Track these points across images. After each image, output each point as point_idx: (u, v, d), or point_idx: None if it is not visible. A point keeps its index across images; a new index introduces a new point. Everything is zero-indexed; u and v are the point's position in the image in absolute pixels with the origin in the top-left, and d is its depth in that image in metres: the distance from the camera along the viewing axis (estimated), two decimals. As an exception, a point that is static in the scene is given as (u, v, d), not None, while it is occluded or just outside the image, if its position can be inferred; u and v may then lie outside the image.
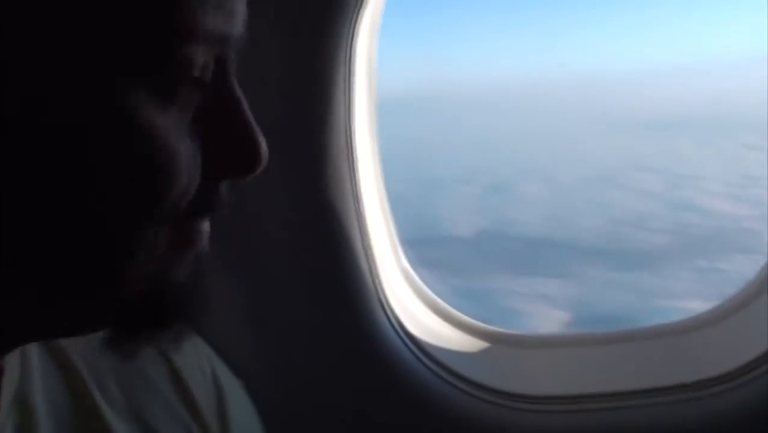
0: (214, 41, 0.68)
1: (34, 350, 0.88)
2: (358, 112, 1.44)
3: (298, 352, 1.44)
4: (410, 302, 1.59)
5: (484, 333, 1.61)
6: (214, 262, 1.36)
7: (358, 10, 1.35)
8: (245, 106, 0.72)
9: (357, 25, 1.36)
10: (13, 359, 0.82)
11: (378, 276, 1.47)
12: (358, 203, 1.44)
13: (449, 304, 1.65)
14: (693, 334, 1.58)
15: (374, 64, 1.50)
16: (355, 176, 1.43)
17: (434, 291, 1.65)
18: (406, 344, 1.49)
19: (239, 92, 0.72)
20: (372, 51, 1.49)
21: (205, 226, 0.76)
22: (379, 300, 1.47)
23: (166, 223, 0.68)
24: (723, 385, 1.45)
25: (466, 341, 1.60)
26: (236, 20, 0.71)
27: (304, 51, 1.35)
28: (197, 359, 1.12)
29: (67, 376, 0.91)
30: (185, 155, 0.66)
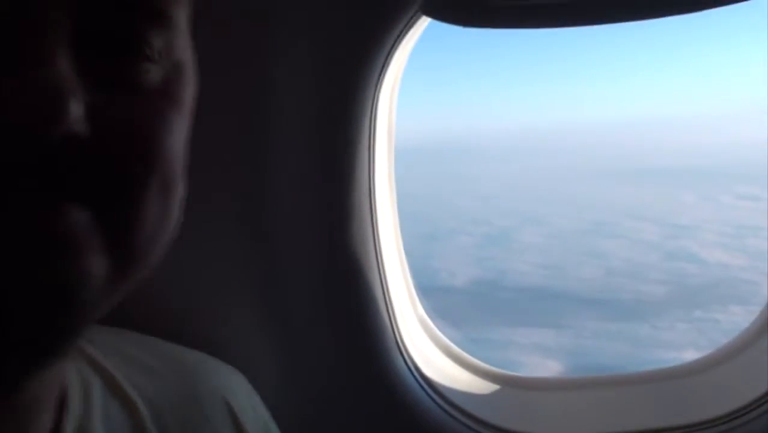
0: None
1: (96, 385, 0.92)
2: (378, 165, 1.53)
3: (321, 392, 1.52)
4: (426, 346, 1.67)
5: (495, 376, 1.69)
6: (248, 314, 1.45)
7: (384, 67, 1.44)
8: (37, 61, 0.56)
9: (382, 82, 1.45)
10: (75, 395, 0.86)
11: (397, 323, 1.55)
12: (380, 255, 1.52)
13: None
14: (696, 376, 1.66)
15: (394, 120, 1.59)
16: (376, 229, 1.51)
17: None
18: (421, 386, 1.56)
19: (44, 46, 0.56)
20: (393, 106, 1.58)
21: (67, 217, 0.59)
22: (398, 345, 1.55)
23: None
24: (723, 425, 1.53)
25: (477, 383, 1.68)
26: None
27: (331, 107, 1.43)
28: (251, 402, 1.18)
29: (128, 412, 0.95)
30: None
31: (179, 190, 0.69)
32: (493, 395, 1.66)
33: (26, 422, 0.73)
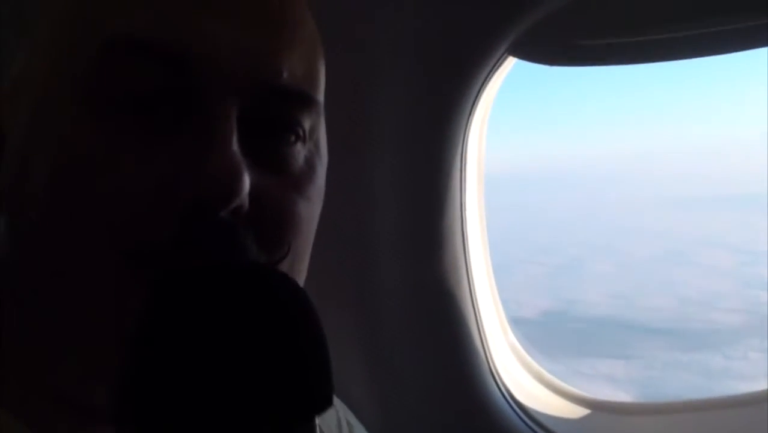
0: (157, 58, 0.63)
1: None
2: (469, 196, 1.59)
3: (417, 420, 1.58)
4: (518, 373, 1.72)
5: (588, 402, 1.73)
6: (343, 341, 1.51)
7: (475, 103, 1.51)
8: (216, 141, 0.63)
9: (472, 117, 1.52)
10: None
11: (489, 351, 1.61)
12: (471, 283, 1.59)
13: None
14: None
15: (484, 152, 1.65)
16: (468, 258, 1.58)
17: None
18: (515, 412, 1.61)
19: (220, 125, 0.64)
20: (482, 140, 1.64)
21: None
22: (491, 372, 1.60)
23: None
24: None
25: (571, 408, 1.72)
26: (203, 42, 0.64)
27: (425, 142, 1.51)
28: (334, 413, 1.19)
29: None
30: (125, 169, 0.62)
31: (308, 255, 0.75)
32: (586, 420, 1.70)
33: None
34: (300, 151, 0.72)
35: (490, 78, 1.51)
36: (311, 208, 0.73)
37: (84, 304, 0.64)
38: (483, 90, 1.51)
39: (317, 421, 0.95)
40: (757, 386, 1.71)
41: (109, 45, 0.63)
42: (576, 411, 1.71)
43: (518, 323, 1.75)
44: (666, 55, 1.50)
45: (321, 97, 0.75)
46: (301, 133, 0.72)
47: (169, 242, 0.62)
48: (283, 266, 0.70)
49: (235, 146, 0.63)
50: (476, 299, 1.59)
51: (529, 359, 1.75)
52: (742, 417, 1.68)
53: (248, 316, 0.56)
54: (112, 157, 0.63)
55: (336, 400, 1.25)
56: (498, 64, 1.50)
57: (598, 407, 1.72)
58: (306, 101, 0.72)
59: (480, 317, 1.59)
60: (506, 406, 1.60)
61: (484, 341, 1.59)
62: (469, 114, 1.51)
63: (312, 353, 0.59)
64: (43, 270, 0.65)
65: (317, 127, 0.75)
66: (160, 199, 0.62)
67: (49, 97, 0.65)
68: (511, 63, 1.55)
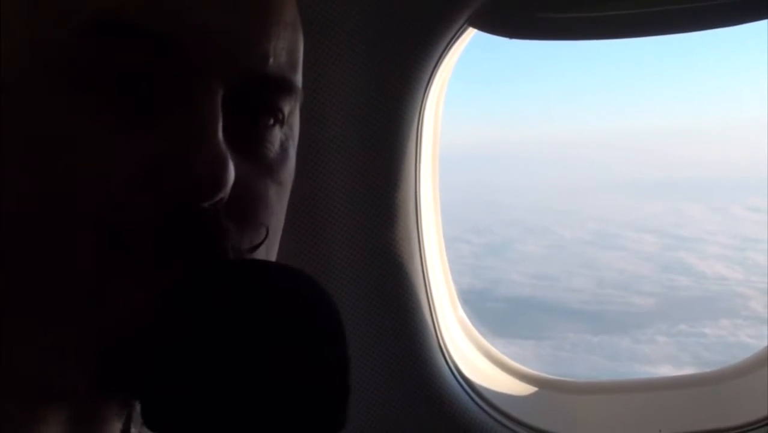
0: (145, 40, 0.61)
1: None
2: (424, 169, 1.57)
3: (364, 393, 1.56)
4: (466, 348, 1.71)
5: (533, 378, 1.73)
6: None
7: (432, 76, 1.49)
8: (204, 130, 0.62)
9: (429, 90, 1.50)
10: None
11: (439, 325, 1.59)
12: (423, 257, 1.57)
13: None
14: (735, 381, 1.68)
15: (440, 126, 1.63)
16: (420, 234, 1.56)
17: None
18: (462, 387, 1.61)
19: (207, 113, 0.63)
20: (439, 113, 1.63)
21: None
22: (440, 347, 1.59)
23: (125, 262, 0.61)
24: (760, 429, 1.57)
25: (516, 385, 1.72)
26: (180, 26, 0.62)
27: (380, 113, 1.48)
28: None
29: None
30: (106, 152, 0.60)
31: (279, 238, 0.74)
32: (531, 397, 1.70)
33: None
34: (276, 135, 0.71)
35: (449, 50, 1.49)
36: (283, 193, 0.72)
37: (60, 286, 0.61)
38: (441, 62, 1.49)
39: None
40: (659, 370, 1.75)
41: (94, 24, 0.60)
42: (523, 388, 1.72)
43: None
44: (630, 31, 1.50)
45: (300, 82, 0.74)
46: (280, 117, 0.71)
47: (151, 229, 0.61)
48: (261, 250, 0.69)
49: (220, 135, 0.62)
50: (427, 273, 1.57)
51: (477, 335, 1.75)
52: (686, 397, 1.71)
53: (272, 324, 0.57)
54: (91, 138, 0.60)
55: None
56: (457, 35, 1.48)
57: (544, 384, 1.73)
58: (288, 88, 0.71)
59: (431, 291, 1.58)
60: (454, 381, 1.59)
61: (433, 316, 1.58)
62: (426, 87, 1.49)
63: (333, 378, 0.59)
64: (18, 252, 0.62)
65: (294, 111, 0.75)
66: (143, 185, 0.61)
67: (24, 73, 0.62)
68: (470, 35, 1.53)
